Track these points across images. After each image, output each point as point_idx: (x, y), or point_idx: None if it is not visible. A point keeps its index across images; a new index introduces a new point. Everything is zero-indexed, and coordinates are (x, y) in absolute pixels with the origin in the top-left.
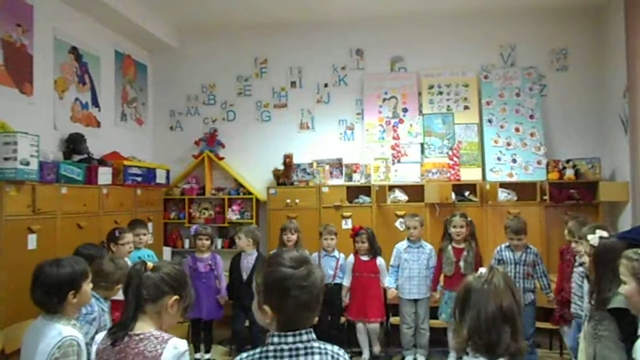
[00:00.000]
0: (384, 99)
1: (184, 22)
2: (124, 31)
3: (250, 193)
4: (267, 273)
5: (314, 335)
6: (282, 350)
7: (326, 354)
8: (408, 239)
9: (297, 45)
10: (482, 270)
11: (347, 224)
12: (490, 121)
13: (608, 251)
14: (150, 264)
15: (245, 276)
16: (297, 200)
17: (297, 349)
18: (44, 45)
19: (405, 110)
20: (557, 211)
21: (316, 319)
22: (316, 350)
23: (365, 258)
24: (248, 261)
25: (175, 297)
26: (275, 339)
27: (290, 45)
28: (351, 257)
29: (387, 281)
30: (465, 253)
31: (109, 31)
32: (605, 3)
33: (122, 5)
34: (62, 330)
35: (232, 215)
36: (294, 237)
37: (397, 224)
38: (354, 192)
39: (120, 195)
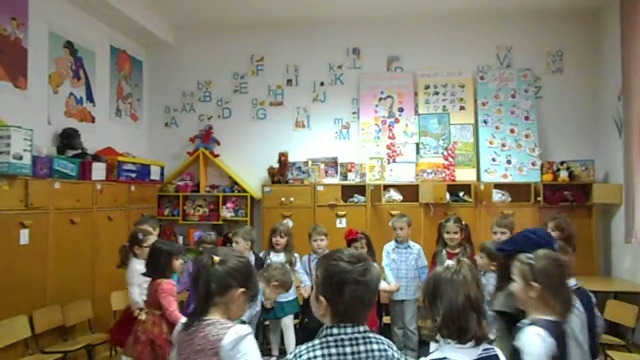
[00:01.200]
0: (380, 99)
1: (180, 18)
2: (119, 26)
3: (245, 191)
4: (327, 266)
5: (368, 328)
6: (342, 340)
7: (382, 343)
8: (395, 240)
9: (293, 44)
10: (449, 262)
11: (342, 223)
12: (485, 122)
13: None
14: (216, 258)
15: None
16: (292, 199)
17: (357, 338)
18: (39, 39)
19: (401, 109)
20: (551, 212)
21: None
22: (374, 340)
23: None
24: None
25: (242, 289)
26: (335, 330)
27: (286, 44)
28: None
29: (384, 283)
30: (459, 258)
31: (104, 26)
32: (601, 6)
33: (118, 0)
34: None
35: (226, 212)
36: (283, 240)
37: (390, 223)
38: (348, 191)
39: (114, 191)
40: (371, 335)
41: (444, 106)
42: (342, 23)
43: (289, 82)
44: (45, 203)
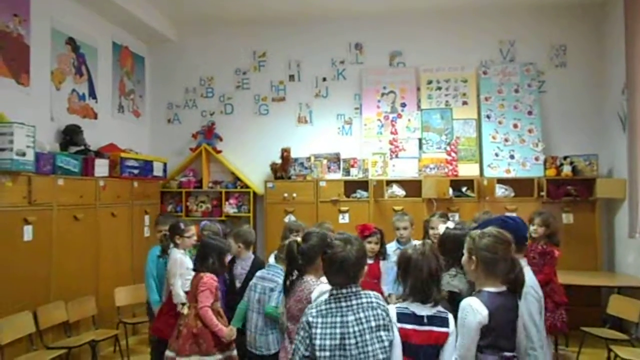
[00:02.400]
0: (383, 94)
1: (182, 14)
2: (121, 23)
3: (247, 187)
4: (324, 248)
5: (360, 288)
6: (342, 295)
7: (369, 297)
8: (398, 241)
9: (295, 39)
10: (416, 242)
11: (344, 219)
12: (488, 117)
13: (451, 241)
14: (299, 239)
15: (238, 284)
16: (295, 195)
17: (349, 293)
18: (41, 36)
19: (403, 105)
20: (554, 207)
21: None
22: (363, 296)
23: (370, 261)
24: (242, 267)
25: (320, 258)
26: (334, 291)
27: (289, 39)
28: None
29: (387, 288)
30: None
31: (106, 22)
32: (604, 0)
33: None
34: None
35: (229, 208)
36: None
37: (392, 223)
38: (351, 187)
39: (117, 188)
40: (362, 292)
41: (447, 101)
42: (344, 18)
43: (291, 77)
44: (49, 199)
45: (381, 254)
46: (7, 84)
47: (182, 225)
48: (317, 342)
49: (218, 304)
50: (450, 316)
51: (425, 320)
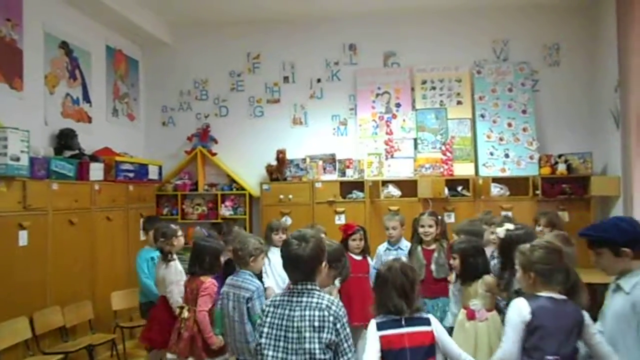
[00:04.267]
0: (377, 94)
1: (176, 17)
2: (115, 26)
3: (243, 189)
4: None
5: (317, 287)
6: (294, 291)
7: (321, 297)
8: (388, 241)
9: (290, 41)
10: (406, 244)
11: (341, 219)
12: (482, 116)
13: (515, 242)
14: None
15: None
16: (291, 196)
17: (303, 292)
18: (34, 40)
19: (398, 105)
20: (549, 205)
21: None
22: (316, 295)
23: (358, 257)
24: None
25: (323, 265)
26: (291, 286)
27: (283, 41)
28: None
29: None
30: (435, 254)
31: (99, 26)
32: None
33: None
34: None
35: (225, 211)
36: (285, 236)
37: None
38: (347, 188)
39: (112, 191)
40: (316, 292)
41: (441, 101)
42: (338, 19)
43: (286, 79)
44: (44, 204)
45: (367, 250)
46: (0, 88)
47: (171, 227)
48: (265, 329)
49: (215, 308)
50: (431, 317)
51: (403, 322)
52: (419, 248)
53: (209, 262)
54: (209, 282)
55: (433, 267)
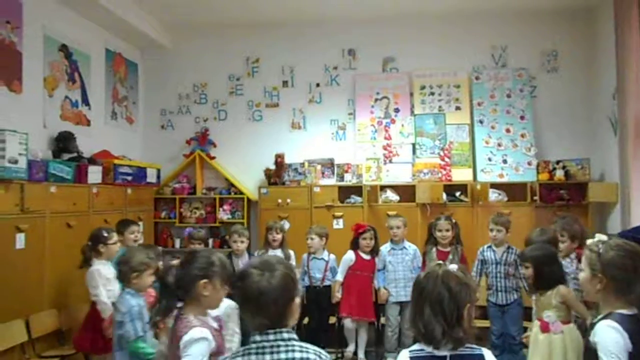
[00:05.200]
0: (376, 99)
1: (176, 20)
2: (114, 29)
3: (241, 193)
4: (241, 279)
5: (295, 336)
6: (263, 347)
7: (307, 351)
8: (391, 241)
9: (289, 45)
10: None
11: (339, 224)
12: (481, 122)
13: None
14: (175, 262)
15: None
16: (289, 200)
17: (279, 346)
18: (34, 43)
19: (397, 110)
20: (547, 212)
21: (304, 319)
22: (297, 348)
23: (367, 257)
24: (242, 262)
25: (204, 281)
26: (258, 337)
27: (282, 45)
28: (351, 255)
29: (378, 282)
30: (450, 257)
31: (99, 29)
32: (595, 6)
33: (113, 3)
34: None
35: (223, 215)
36: (279, 236)
37: (387, 224)
38: (345, 192)
39: (110, 195)
40: (296, 343)
41: (440, 106)
42: (337, 24)
43: (285, 83)
44: (41, 207)
45: (375, 251)
46: None
47: (104, 233)
48: None
49: None
50: (486, 351)
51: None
52: (434, 249)
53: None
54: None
55: None
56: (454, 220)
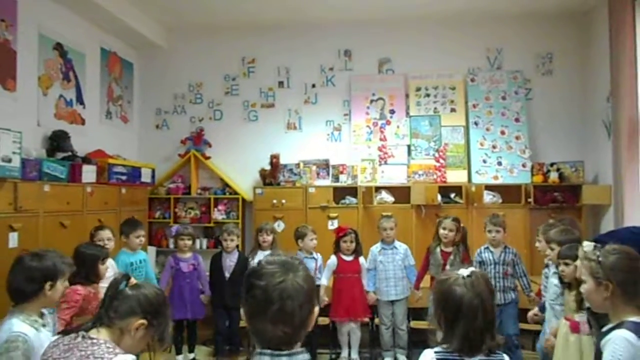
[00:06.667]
0: (372, 101)
1: (172, 20)
2: (110, 28)
3: (236, 193)
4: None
5: (304, 349)
6: None
7: None
8: (382, 241)
9: (285, 46)
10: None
11: (334, 225)
12: (476, 124)
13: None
14: (133, 281)
15: (227, 275)
16: (284, 201)
17: None
18: (28, 41)
19: (392, 111)
20: (541, 213)
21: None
22: None
23: (348, 258)
24: (231, 259)
25: (142, 321)
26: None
27: (278, 45)
28: (333, 259)
29: (366, 285)
30: (452, 257)
31: (95, 28)
32: (590, 9)
33: (109, 2)
34: (13, 326)
35: (217, 215)
36: (270, 238)
37: (379, 225)
38: (340, 193)
39: (104, 194)
40: None
41: (435, 108)
42: (333, 25)
43: (281, 84)
44: (35, 206)
45: (358, 252)
46: None
47: (95, 253)
48: None
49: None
50: (505, 356)
51: None
52: (438, 249)
53: (85, 271)
54: (69, 289)
55: (448, 268)
56: (461, 224)
